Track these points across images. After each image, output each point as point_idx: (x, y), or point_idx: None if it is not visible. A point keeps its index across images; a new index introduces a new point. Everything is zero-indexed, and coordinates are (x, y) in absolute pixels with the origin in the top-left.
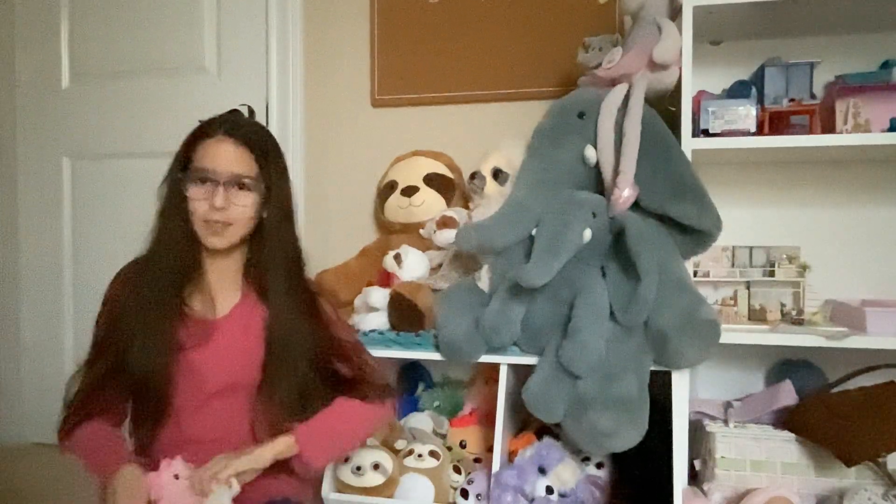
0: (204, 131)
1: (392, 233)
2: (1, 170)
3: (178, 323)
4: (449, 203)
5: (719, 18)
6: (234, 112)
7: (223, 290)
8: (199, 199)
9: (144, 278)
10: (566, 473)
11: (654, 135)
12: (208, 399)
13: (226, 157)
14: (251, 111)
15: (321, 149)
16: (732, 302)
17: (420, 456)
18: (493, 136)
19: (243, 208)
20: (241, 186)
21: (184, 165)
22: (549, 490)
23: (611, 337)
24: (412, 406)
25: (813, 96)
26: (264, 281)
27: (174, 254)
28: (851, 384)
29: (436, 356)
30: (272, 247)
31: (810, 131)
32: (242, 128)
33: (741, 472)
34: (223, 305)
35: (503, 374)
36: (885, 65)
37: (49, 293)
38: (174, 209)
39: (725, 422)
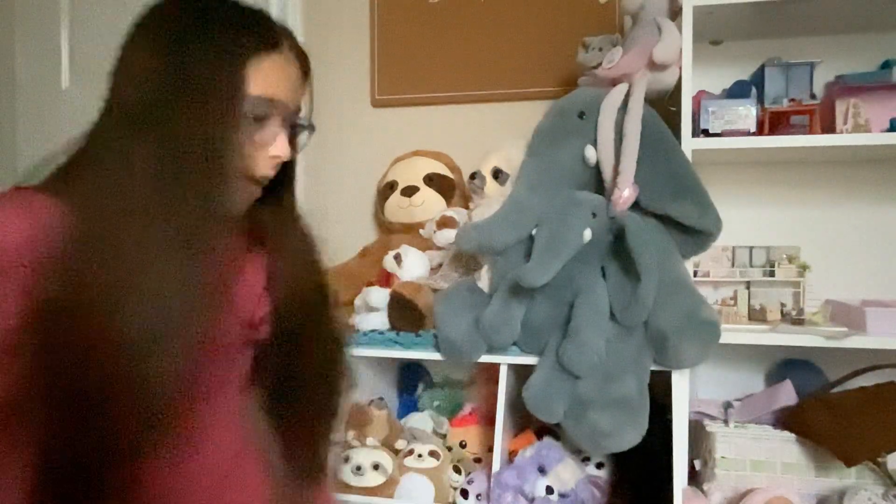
0: (267, 39)
1: (392, 233)
2: (1, 170)
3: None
4: (449, 203)
5: (719, 18)
6: None
7: None
8: (256, 146)
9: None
10: (566, 473)
11: (654, 135)
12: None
13: (294, 85)
14: None
15: (321, 149)
16: (732, 302)
17: (420, 456)
18: (493, 136)
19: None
20: (294, 129)
21: (234, 88)
22: (549, 490)
23: (611, 337)
24: (412, 406)
25: (813, 96)
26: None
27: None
28: (851, 384)
29: (436, 356)
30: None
31: (810, 131)
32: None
33: (741, 472)
34: None
35: (503, 374)
36: (885, 65)
37: None
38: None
39: (725, 422)
